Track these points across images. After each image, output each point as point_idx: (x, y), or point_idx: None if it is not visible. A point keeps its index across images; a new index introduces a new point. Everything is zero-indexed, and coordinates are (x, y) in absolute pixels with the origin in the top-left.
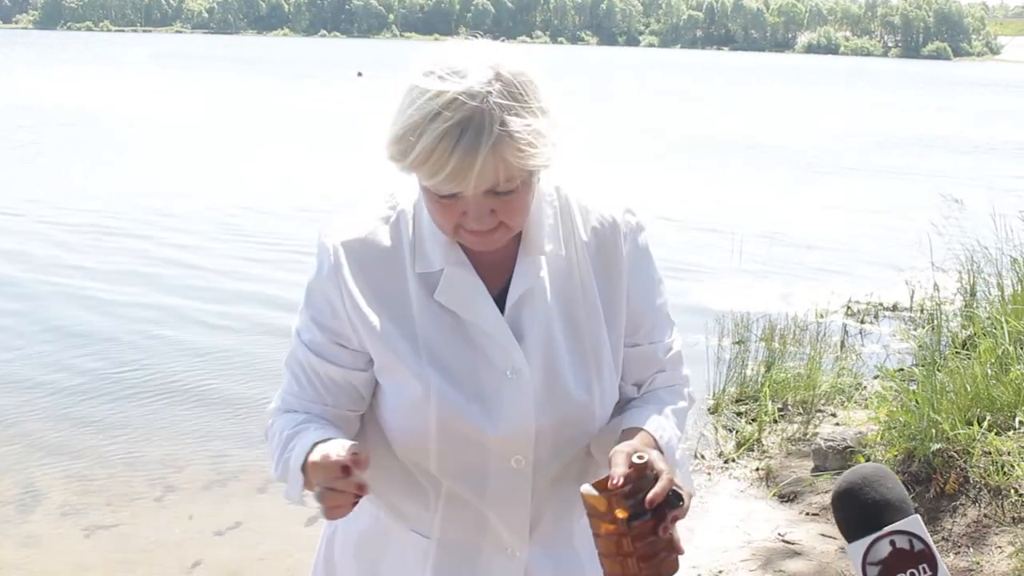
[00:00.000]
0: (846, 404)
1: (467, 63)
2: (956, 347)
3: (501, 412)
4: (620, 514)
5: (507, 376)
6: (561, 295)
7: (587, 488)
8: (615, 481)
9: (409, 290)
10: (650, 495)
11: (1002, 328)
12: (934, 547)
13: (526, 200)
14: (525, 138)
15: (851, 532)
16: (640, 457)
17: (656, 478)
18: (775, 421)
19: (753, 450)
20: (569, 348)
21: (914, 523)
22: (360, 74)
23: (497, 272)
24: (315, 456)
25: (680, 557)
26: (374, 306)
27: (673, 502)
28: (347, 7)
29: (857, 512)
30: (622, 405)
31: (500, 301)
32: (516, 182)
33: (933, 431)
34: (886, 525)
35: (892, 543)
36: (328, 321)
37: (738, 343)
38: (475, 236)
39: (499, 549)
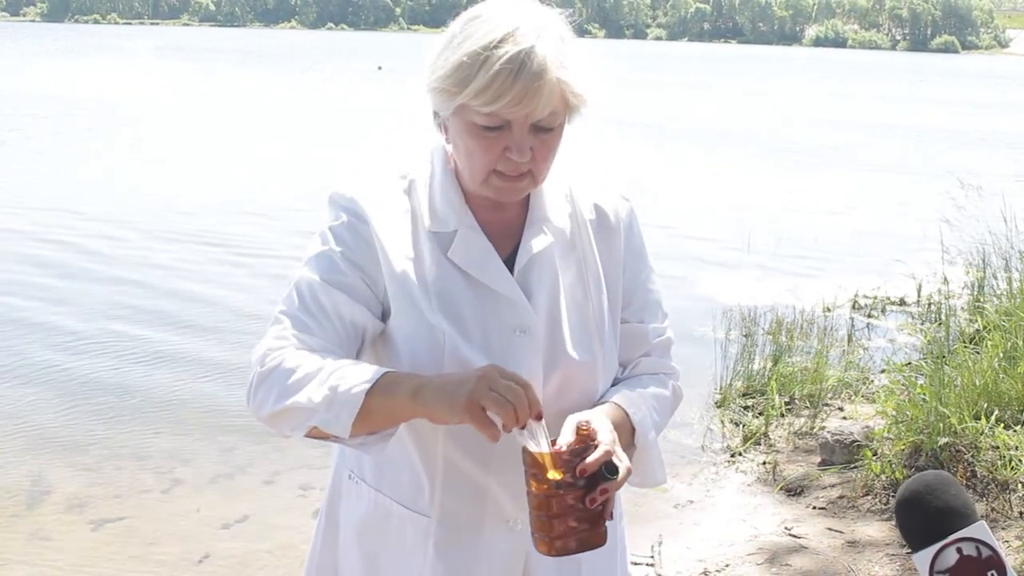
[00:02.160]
0: (853, 398)
1: (513, 10)
2: (964, 341)
3: (510, 369)
4: (553, 476)
5: (516, 335)
6: (565, 263)
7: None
8: (557, 443)
9: (422, 247)
10: (581, 464)
11: (1011, 322)
12: (1002, 553)
13: (557, 145)
14: (580, 68)
15: (916, 541)
16: (582, 425)
17: (597, 448)
18: (782, 415)
19: (760, 444)
20: (573, 312)
21: (980, 529)
22: (380, 68)
23: (505, 240)
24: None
25: (687, 550)
26: (393, 255)
27: (604, 474)
28: (354, 0)
29: (921, 520)
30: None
31: (508, 266)
32: (559, 119)
33: (940, 425)
34: (951, 533)
35: (959, 550)
36: (360, 256)
37: (745, 337)
38: (505, 182)
39: (501, 522)
